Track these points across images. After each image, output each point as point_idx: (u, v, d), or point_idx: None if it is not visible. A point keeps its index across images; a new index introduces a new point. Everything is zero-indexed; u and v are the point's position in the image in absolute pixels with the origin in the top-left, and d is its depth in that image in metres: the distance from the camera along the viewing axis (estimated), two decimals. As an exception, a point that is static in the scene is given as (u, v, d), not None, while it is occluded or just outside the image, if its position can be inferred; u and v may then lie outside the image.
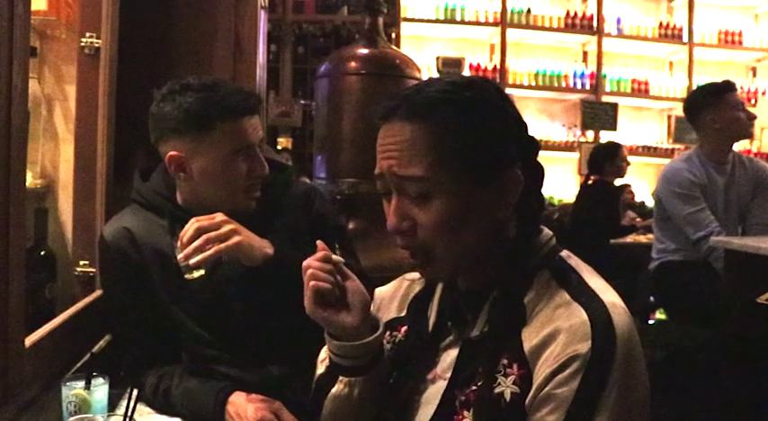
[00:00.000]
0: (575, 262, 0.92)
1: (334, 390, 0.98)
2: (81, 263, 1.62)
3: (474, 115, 0.86)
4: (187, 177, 1.38)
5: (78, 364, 1.41)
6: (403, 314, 1.03)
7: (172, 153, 1.36)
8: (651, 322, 4.39)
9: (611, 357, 0.78)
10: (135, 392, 1.06)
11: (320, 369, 1.03)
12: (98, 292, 1.60)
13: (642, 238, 4.57)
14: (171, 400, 1.35)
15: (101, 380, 1.19)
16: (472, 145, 0.85)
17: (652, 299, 3.85)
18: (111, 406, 1.29)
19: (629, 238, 4.60)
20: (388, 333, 1.02)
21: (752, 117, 2.91)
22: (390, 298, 1.07)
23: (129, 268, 1.40)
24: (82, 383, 1.17)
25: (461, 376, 0.88)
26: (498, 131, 0.87)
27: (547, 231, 0.95)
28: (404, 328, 1.01)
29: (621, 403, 0.78)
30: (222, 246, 1.26)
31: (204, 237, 1.25)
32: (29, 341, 1.17)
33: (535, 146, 0.94)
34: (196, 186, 1.39)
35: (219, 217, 1.29)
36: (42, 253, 1.52)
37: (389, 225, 0.89)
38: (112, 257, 1.42)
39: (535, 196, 0.93)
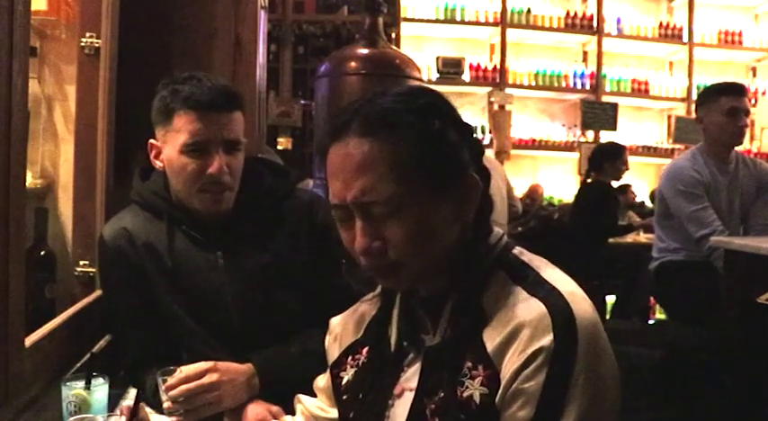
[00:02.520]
0: (528, 257, 0.92)
1: None
2: (81, 263, 1.62)
3: (431, 123, 0.85)
4: (162, 168, 1.40)
5: (78, 364, 1.41)
6: (360, 335, 1.02)
7: (151, 141, 1.40)
8: (651, 322, 4.39)
9: (574, 347, 0.79)
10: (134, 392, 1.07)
11: None
12: (98, 292, 1.60)
13: (642, 238, 4.57)
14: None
15: (101, 380, 1.19)
16: (433, 153, 0.84)
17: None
18: (111, 406, 1.29)
19: (630, 238, 4.59)
20: (350, 356, 1.02)
21: (742, 125, 2.84)
22: (345, 323, 1.06)
23: (128, 268, 1.40)
24: (82, 383, 1.17)
25: (428, 385, 0.87)
26: (454, 137, 0.86)
27: (497, 230, 0.94)
28: (365, 350, 1.00)
29: (591, 391, 0.78)
30: (208, 412, 1.26)
31: (191, 403, 1.23)
32: (29, 341, 1.17)
33: (480, 149, 0.93)
34: (169, 179, 1.40)
35: (209, 377, 1.25)
36: (42, 253, 1.52)
37: (360, 248, 0.84)
38: (112, 258, 1.42)
39: (484, 198, 0.92)
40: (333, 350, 1.06)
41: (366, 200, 0.82)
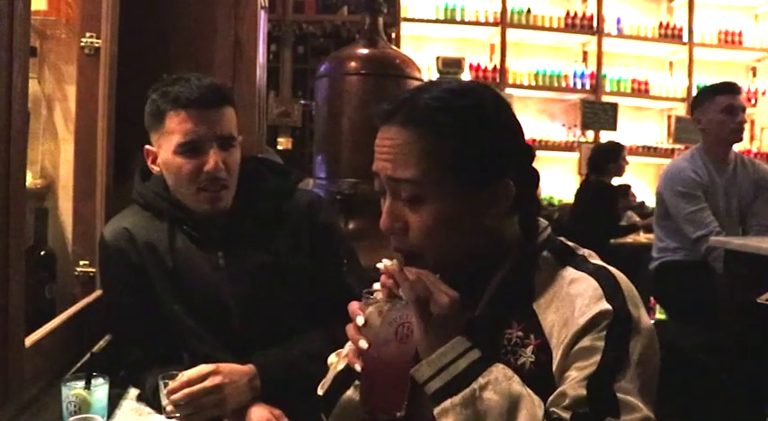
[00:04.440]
0: (573, 245, 0.98)
1: (349, 393, 0.99)
2: (81, 263, 1.62)
3: (468, 126, 0.88)
4: (159, 171, 1.40)
5: (78, 364, 1.41)
6: None
7: (147, 147, 1.40)
8: (651, 322, 4.38)
9: (628, 316, 0.84)
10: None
11: (341, 364, 1.02)
12: (98, 292, 1.60)
13: (642, 238, 4.57)
14: None
15: (101, 380, 1.19)
16: (465, 155, 0.87)
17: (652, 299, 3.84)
18: (111, 406, 1.29)
19: (630, 238, 4.59)
20: None
21: (740, 121, 2.86)
22: None
23: (128, 268, 1.40)
24: (82, 383, 1.17)
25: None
26: (491, 142, 0.89)
27: (542, 221, 0.99)
28: None
29: (646, 363, 0.83)
30: (210, 415, 1.26)
31: (194, 407, 1.24)
32: (29, 341, 1.17)
33: (530, 153, 0.96)
34: (167, 182, 1.40)
35: (211, 380, 1.25)
36: (42, 253, 1.52)
37: (382, 225, 0.91)
38: (112, 257, 1.42)
39: (533, 200, 0.97)
40: None
41: (392, 175, 0.88)
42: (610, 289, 0.86)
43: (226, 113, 1.36)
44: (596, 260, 0.94)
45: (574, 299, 0.86)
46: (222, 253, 1.40)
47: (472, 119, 0.88)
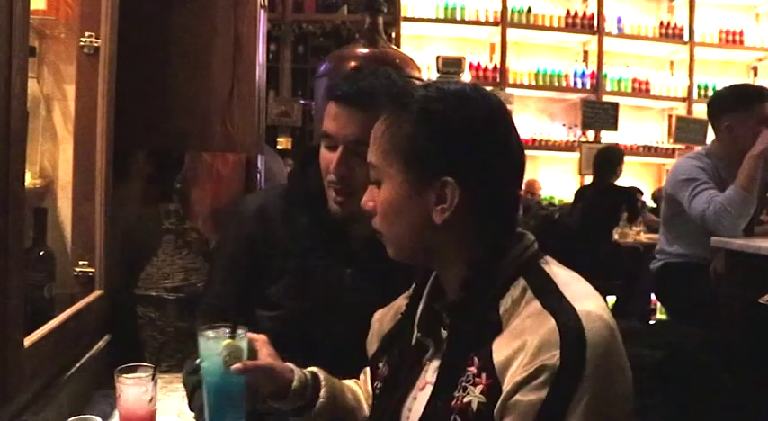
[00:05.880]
0: (554, 269, 0.90)
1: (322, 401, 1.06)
2: (80, 263, 1.61)
3: (427, 118, 0.89)
4: None
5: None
6: (390, 328, 1.08)
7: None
8: (651, 322, 4.39)
9: (581, 367, 0.77)
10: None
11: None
12: (98, 292, 1.60)
13: (643, 238, 4.57)
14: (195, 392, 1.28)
15: (240, 331, 1.04)
16: (417, 145, 0.89)
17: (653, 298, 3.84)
18: (111, 406, 1.29)
19: (630, 238, 4.59)
20: (385, 350, 1.06)
21: None
22: (382, 319, 1.12)
23: (249, 239, 1.35)
24: (227, 333, 1.02)
25: (442, 384, 0.88)
26: (443, 140, 0.88)
27: (529, 237, 0.93)
28: (394, 343, 1.05)
29: (593, 414, 0.76)
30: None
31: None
32: (28, 341, 1.17)
33: (479, 157, 0.89)
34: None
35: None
36: (41, 253, 1.51)
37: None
38: (243, 222, 1.37)
39: (499, 219, 0.91)
40: (372, 344, 1.11)
41: (368, 158, 0.96)
42: (567, 335, 0.78)
43: (361, 118, 1.23)
44: (573, 290, 0.85)
45: (527, 342, 0.80)
46: (351, 269, 1.32)
47: (424, 121, 0.89)
